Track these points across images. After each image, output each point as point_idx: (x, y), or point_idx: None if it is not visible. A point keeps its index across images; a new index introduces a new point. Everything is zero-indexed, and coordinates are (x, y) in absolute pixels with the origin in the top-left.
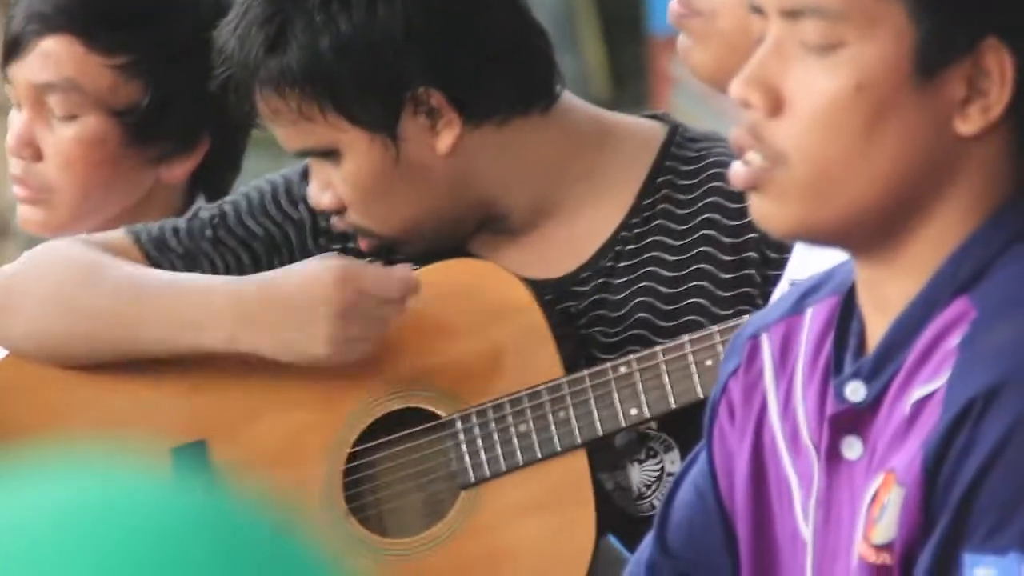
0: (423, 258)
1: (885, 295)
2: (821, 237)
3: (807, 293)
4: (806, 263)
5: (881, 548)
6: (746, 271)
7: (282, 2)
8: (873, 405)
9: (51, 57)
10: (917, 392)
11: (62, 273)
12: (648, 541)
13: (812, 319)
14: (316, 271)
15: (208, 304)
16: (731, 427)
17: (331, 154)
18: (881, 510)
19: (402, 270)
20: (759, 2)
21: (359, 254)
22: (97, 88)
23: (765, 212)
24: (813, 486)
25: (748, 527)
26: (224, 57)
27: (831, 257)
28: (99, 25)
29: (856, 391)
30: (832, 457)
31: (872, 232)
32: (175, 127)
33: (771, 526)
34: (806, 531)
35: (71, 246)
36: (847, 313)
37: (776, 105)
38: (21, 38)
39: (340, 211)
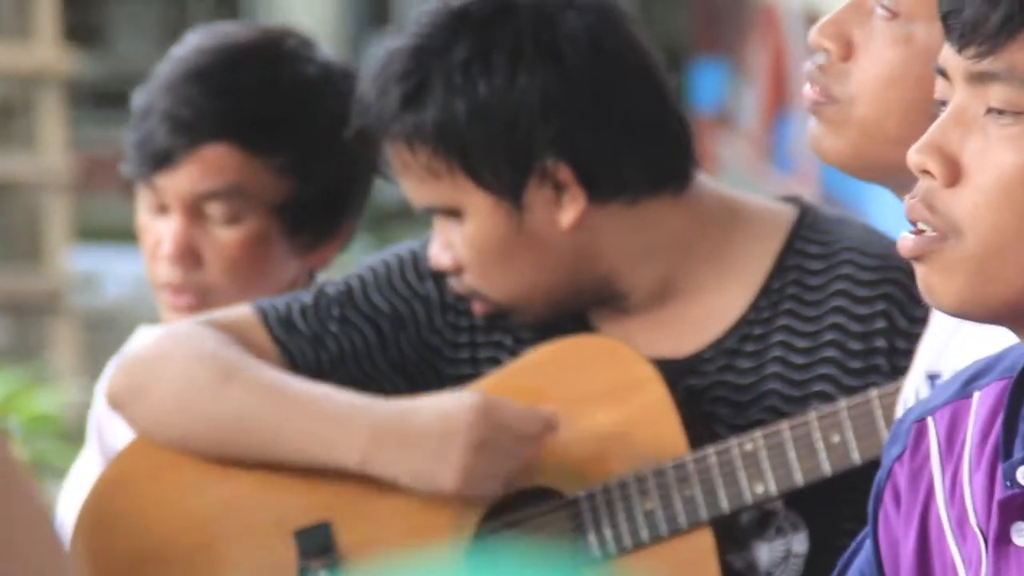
0: (537, 327)
1: None
2: (985, 314)
3: (974, 377)
4: (945, 355)
5: None
6: (874, 361)
7: (424, 58)
8: None
9: (213, 165)
10: None
11: (190, 371)
12: None
13: (980, 403)
14: (456, 403)
15: (346, 424)
16: (896, 513)
17: (455, 213)
18: None
19: (542, 409)
20: (945, 65)
21: (487, 332)
22: (260, 189)
23: (931, 284)
24: (981, 573)
25: None
26: (361, 107)
27: (974, 346)
28: (255, 128)
29: None
30: (1001, 543)
31: None
32: (326, 215)
33: None
34: None
35: (203, 337)
36: (1018, 396)
37: (954, 175)
38: (172, 151)
39: (458, 272)
